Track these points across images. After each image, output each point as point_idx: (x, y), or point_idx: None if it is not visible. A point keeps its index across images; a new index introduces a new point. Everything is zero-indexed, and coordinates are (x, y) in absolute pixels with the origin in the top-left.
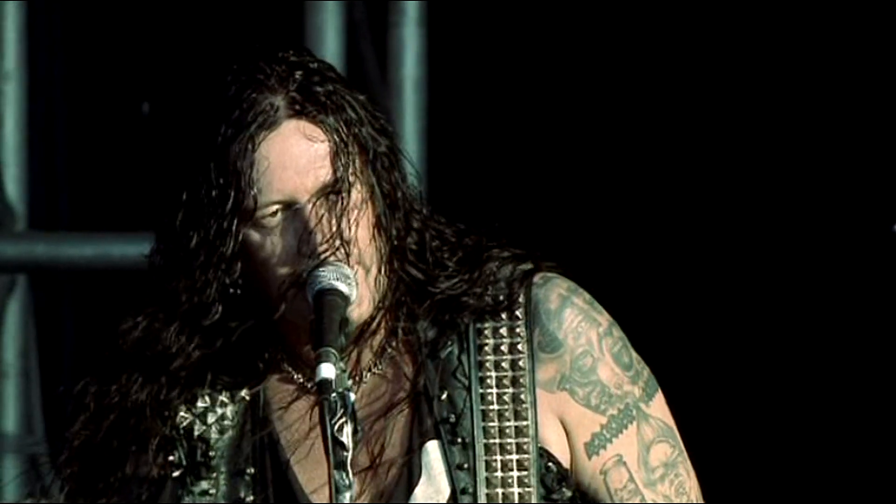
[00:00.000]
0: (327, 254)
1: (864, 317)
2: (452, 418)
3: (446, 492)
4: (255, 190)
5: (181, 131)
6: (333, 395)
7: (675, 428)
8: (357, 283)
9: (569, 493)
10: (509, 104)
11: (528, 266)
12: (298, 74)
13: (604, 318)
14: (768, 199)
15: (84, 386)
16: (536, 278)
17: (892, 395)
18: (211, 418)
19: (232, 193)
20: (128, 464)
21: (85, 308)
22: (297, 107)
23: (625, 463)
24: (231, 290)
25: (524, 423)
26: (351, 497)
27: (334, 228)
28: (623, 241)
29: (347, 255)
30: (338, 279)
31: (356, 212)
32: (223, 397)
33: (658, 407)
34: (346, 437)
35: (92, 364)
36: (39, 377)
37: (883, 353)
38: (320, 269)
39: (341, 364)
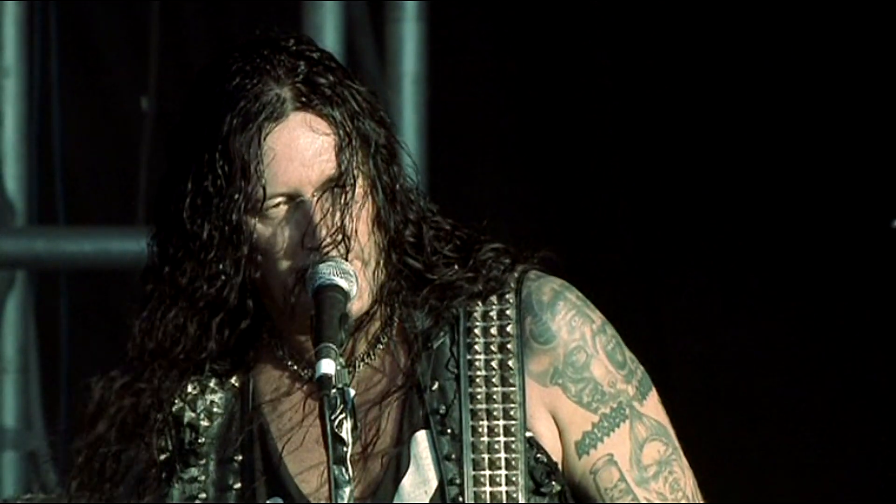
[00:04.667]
0: (329, 248)
1: (864, 312)
2: (443, 409)
3: (434, 482)
4: (262, 181)
5: (183, 119)
6: (333, 390)
7: (669, 426)
8: (357, 279)
9: (558, 487)
10: (508, 100)
11: (521, 260)
12: (303, 65)
13: (597, 316)
14: (768, 195)
15: (88, 384)
16: (530, 273)
17: (892, 393)
18: (200, 405)
19: (241, 184)
20: (130, 451)
21: (84, 304)
22: (304, 99)
23: (616, 462)
24: (241, 280)
25: (513, 422)
26: (350, 492)
27: (337, 223)
28: (623, 237)
29: (348, 250)
30: (338, 275)
31: (357, 206)
32: (212, 384)
33: (652, 406)
34: (346, 432)
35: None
36: (38, 373)
37: (883, 350)
38: (320, 265)
39: (341, 360)
